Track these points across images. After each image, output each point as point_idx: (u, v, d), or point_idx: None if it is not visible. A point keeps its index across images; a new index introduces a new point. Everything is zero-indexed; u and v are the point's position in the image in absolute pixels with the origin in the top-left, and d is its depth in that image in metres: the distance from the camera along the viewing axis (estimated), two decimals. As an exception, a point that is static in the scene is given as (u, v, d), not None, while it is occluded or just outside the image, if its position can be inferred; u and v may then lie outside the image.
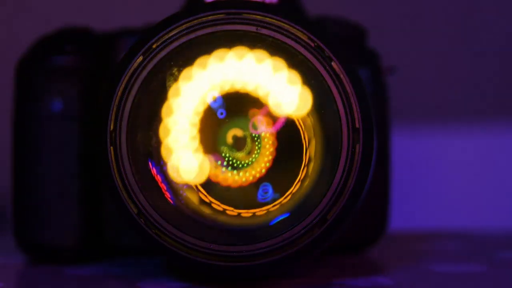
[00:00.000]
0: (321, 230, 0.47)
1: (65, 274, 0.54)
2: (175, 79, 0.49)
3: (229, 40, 0.48)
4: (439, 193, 1.01)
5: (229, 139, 0.50)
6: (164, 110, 0.49)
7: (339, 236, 0.49)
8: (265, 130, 0.49)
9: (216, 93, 0.49)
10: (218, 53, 0.49)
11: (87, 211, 0.56)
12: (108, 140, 0.48)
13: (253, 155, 0.50)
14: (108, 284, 0.51)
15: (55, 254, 0.56)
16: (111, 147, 0.48)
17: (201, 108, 0.50)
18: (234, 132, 0.50)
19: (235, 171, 0.50)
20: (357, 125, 0.47)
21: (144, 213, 0.48)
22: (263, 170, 0.50)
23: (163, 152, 0.49)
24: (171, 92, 0.49)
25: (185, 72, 0.49)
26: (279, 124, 0.49)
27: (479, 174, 1.01)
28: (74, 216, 0.56)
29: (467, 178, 1.01)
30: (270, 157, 0.50)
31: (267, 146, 0.50)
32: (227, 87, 0.49)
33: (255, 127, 0.50)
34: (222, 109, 0.50)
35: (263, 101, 0.49)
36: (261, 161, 0.50)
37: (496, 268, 0.57)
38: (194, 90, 0.49)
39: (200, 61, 0.49)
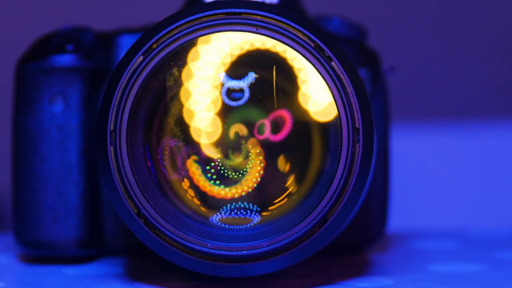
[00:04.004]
0: (321, 230, 0.47)
1: (64, 274, 0.54)
2: (176, 78, 0.49)
3: None
4: (439, 193, 1.01)
5: (232, 135, 0.50)
6: (184, 74, 0.49)
7: (339, 236, 0.49)
8: (270, 136, 0.49)
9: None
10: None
11: (87, 211, 0.56)
12: (108, 140, 0.48)
13: (249, 163, 0.49)
14: (108, 284, 0.51)
15: (55, 254, 0.56)
16: (111, 147, 0.48)
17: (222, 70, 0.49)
18: (238, 128, 0.50)
19: (227, 188, 0.50)
20: (357, 125, 0.47)
21: (144, 213, 0.48)
22: (255, 185, 0.50)
23: (185, 115, 0.49)
24: (190, 57, 0.49)
25: (203, 37, 0.49)
26: (286, 131, 0.49)
27: (479, 174, 1.02)
28: (73, 216, 0.56)
29: (466, 178, 1.01)
30: (260, 173, 0.50)
31: (258, 161, 0.49)
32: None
33: (260, 132, 0.50)
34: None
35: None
36: (249, 179, 0.50)
37: (495, 267, 0.57)
38: (213, 53, 0.49)
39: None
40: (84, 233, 0.56)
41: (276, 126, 0.49)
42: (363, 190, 0.48)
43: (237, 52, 0.49)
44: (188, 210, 0.49)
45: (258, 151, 0.49)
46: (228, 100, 0.49)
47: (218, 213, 0.49)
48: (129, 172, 0.48)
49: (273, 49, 0.49)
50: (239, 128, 0.50)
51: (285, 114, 0.49)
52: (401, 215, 0.77)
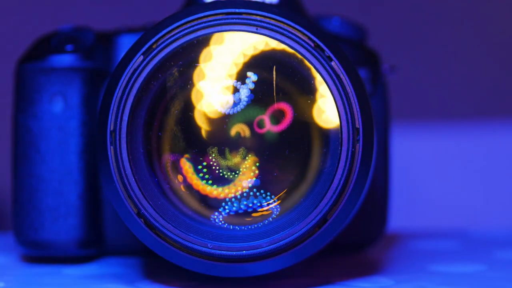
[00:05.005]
0: (321, 230, 0.47)
1: (64, 274, 0.54)
2: (176, 78, 0.49)
3: None
4: (439, 193, 1.01)
5: (233, 135, 0.50)
6: (196, 75, 0.49)
7: (339, 235, 0.49)
8: (270, 128, 0.49)
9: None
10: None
11: (87, 211, 0.56)
12: (108, 140, 0.48)
13: (243, 164, 0.49)
14: (108, 284, 0.51)
15: (55, 254, 0.56)
16: (111, 147, 0.48)
17: (234, 71, 0.49)
18: (239, 128, 0.50)
19: (220, 188, 0.49)
20: (357, 125, 0.47)
21: (144, 213, 0.48)
22: (249, 185, 0.49)
23: (197, 117, 0.49)
24: (202, 57, 0.49)
25: (216, 37, 0.48)
26: (285, 123, 0.49)
27: (479, 174, 1.02)
28: (74, 216, 0.56)
29: (466, 178, 1.01)
30: (255, 173, 0.49)
31: (251, 162, 0.49)
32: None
33: (260, 126, 0.50)
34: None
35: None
36: (243, 179, 0.49)
37: (495, 267, 0.57)
38: (226, 53, 0.49)
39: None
40: (84, 233, 0.56)
41: (277, 118, 0.49)
42: (363, 190, 0.48)
43: (251, 52, 0.49)
44: (188, 210, 0.49)
45: (255, 151, 0.49)
46: (223, 109, 0.49)
47: (217, 213, 0.49)
48: (129, 172, 0.48)
49: (290, 50, 0.48)
50: (240, 128, 0.50)
51: (285, 106, 0.49)
52: (401, 215, 0.78)
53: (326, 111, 0.49)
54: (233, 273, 0.48)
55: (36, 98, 0.56)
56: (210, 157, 0.49)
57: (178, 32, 0.48)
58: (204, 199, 0.50)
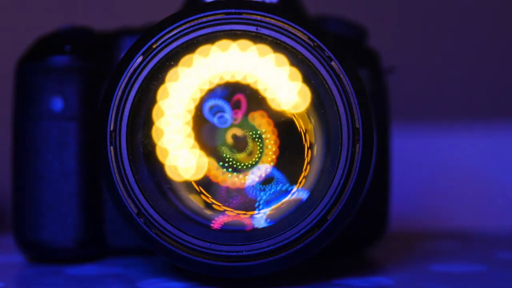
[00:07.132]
0: (321, 230, 0.47)
1: (64, 274, 0.54)
2: (162, 81, 0.49)
3: (230, 38, 0.49)
4: (439, 193, 1.01)
5: (229, 139, 0.50)
6: (155, 113, 0.49)
7: (339, 236, 0.49)
8: (237, 115, 0.50)
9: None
10: (203, 49, 0.49)
11: (87, 211, 0.56)
12: (108, 140, 0.48)
13: (256, 156, 0.50)
14: (108, 284, 0.51)
15: (55, 254, 0.56)
16: (111, 147, 0.48)
17: (192, 106, 0.49)
18: (234, 131, 0.50)
19: (239, 174, 0.50)
20: (357, 125, 0.47)
21: (144, 213, 0.48)
22: (268, 170, 0.50)
23: (159, 153, 0.49)
24: (159, 94, 0.49)
25: (171, 73, 0.49)
26: (243, 107, 0.49)
27: (479, 174, 1.01)
28: (74, 216, 0.56)
29: (466, 178, 1.01)
30: (274, 156, 0.50)
31: (269, 146, 0.49)
32: (217, 81, 0.49)
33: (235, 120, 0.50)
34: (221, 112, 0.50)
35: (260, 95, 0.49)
36: (265, 161, 0.50)
37: (495, 268, 0.57)
38: (182, 90, 0.49)
39: (185, 59, 0.49)
40: (84, 233, 0.56)
41: (237, 105, 0.50)
42: (363, 190, 0.48)
43: (207, 86, 0.49)
44: (188, 210, 0.49)
45: (267, 141, 0.50)
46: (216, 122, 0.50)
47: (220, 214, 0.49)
48: (129, 172, 0.48)
49: (244, 81, 0.49)
50: (235, 131, 0.50)
51: (241, 96, 0.49)
52: (401, 215, 0.78)
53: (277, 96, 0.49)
54: (233, 273, 0.48)
55: (36, 98, 0.56)
56: (224, 155, 0.50)
57: (178, 32, 0.48)
58: (206, 201, 0.50)
